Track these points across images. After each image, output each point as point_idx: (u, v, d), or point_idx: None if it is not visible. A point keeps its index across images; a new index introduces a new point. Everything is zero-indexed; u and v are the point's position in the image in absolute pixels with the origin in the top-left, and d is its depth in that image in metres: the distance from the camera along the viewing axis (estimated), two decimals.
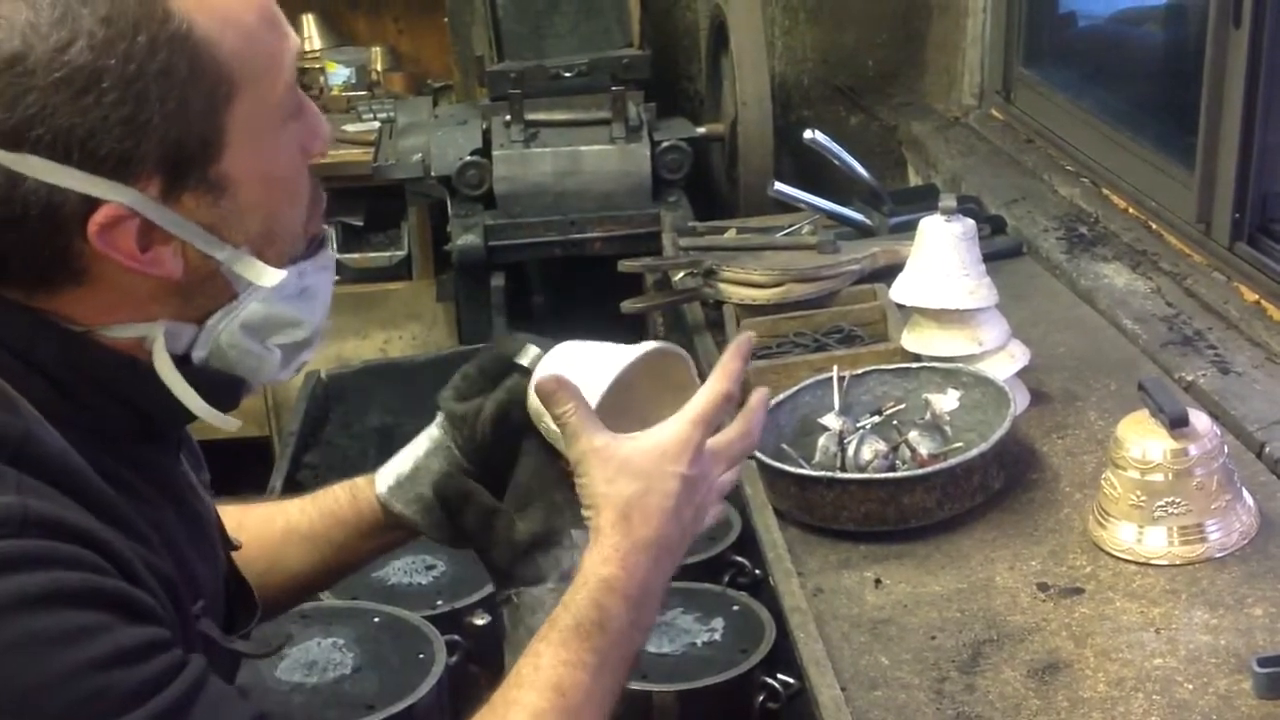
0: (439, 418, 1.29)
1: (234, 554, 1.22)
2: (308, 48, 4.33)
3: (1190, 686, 1.42)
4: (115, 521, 0.96)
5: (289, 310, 1.07)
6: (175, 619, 0.99)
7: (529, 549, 1.19)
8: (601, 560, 1.11)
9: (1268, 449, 1.81)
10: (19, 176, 0.91)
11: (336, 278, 1.16)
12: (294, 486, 2.25)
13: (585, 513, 1.14)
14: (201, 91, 0.94)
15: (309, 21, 4.33)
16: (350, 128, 3.95)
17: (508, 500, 1.22)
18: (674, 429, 1.15)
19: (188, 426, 1.14)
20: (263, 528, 1.32)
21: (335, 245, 3.92)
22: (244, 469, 2.47)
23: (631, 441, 1.14)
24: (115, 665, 0.89)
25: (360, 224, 4.01)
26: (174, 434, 1.12)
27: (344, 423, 2.66)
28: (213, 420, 1.06)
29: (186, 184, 0.96)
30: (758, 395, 1.23)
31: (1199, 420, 1.63)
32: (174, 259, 0.98)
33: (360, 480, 1.32)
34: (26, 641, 0.86)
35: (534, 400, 1.19)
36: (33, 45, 0.89)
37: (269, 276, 1.03)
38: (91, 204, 0.93)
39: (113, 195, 0.93)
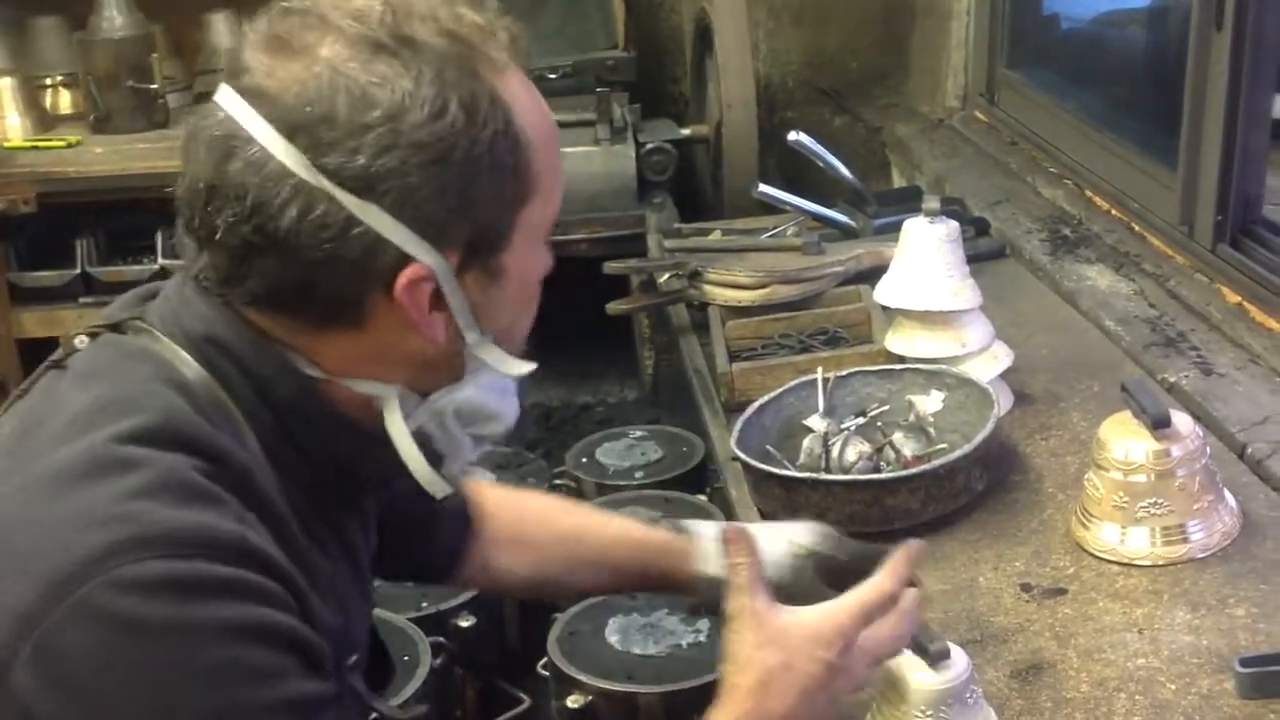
0: (818, 532, 1.47)
1: (487, 530, 1.41)
2: None
3: (1173, 687, 1.42)
4: (305, 568, 1.00)
5: (495, 404, 1.12)
6: (334, 672, 1.03)
7: None
8: (722, 712, 1.15)
9: (1249, 450, 1.82)
10: (356, 221, 0.98)
11: (524, 396, 1.22)
12: None
13: (725, 668, 1.17)
14: (513, 187, 1.04)
15: None
16: None
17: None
18: (832, 615, 1.19)
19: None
20: (545, 522, 1.48)
21: None
22: None
23: (790, 615, 1.18)
24: (293, 712, 0.94)
25: None
26: (368, 497, 1.18)
27: None
28: (429, 482, 1.09)
29: (475, 265, 1.04)
30: (911, 597, 1.25)
31: (1181, 421, 1.63)
32: (444, 328, 1.05)
33: (674, 538, 1.47)
34: (222, 668, 0.91)
35: None
36: (408, 109, 0.97)
37: (515, 366, 1.11)
38: (404, 260, 1.00)
39: (425, 257, 1.00)
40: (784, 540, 1.45)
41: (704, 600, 1.44)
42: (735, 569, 1.19)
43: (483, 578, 1.48)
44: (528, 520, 1.47)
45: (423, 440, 1.08)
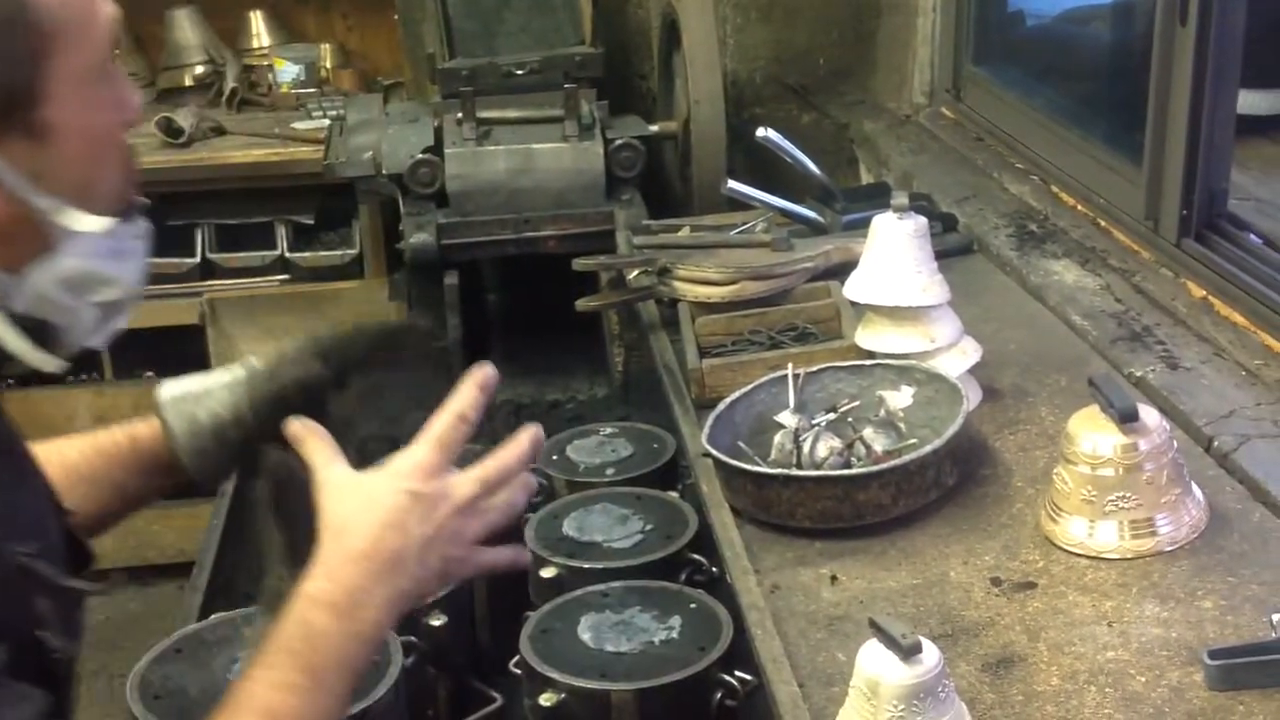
0: (251, 360, 1.35)
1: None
2: (256, 45, 4.30)
3: (1142, 679, 1.43)
4: None
5: (104, 268, 1.11)
6: None
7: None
8: (309, 577, 1.14)
9: (1216, 443, 1.83)
10: None
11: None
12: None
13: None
14: (25, 43, 1.01)
15: (257, 18, 4.30)
16: (300, 125, 3.92)
17: (263, 503, 1.24)
18: (404, 455, 1.20)
19: None
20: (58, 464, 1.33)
21: (287, 243, 3.90)
22: None
23: (368, 472, 1.19)
24: None
25: (311, 223, 3.98)
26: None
27: None
28: (34, 360, 1.10)
29: (9, 128, 1.02)
30: (527, 430, 1.26)
31: (1148, 415, 1.65)
32: None
33: (140, 423, 1.35)
34: None
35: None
36: None
37: (87, 223, 1.08)
38: None
39: None
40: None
41: (191, 472, 1.34)
42: (307, 455, 1.20)
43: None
44: (52, 464, 1.33)
45: (33, 319, 1.08)
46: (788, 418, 1.88)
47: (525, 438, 1.26)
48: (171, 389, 1.33)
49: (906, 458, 1.74)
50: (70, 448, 1.35)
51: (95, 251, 1.10)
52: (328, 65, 4.25)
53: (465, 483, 1.21)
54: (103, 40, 1.09)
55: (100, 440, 1.36)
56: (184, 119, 3.83)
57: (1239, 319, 2.12)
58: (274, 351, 1.34)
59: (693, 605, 1.89)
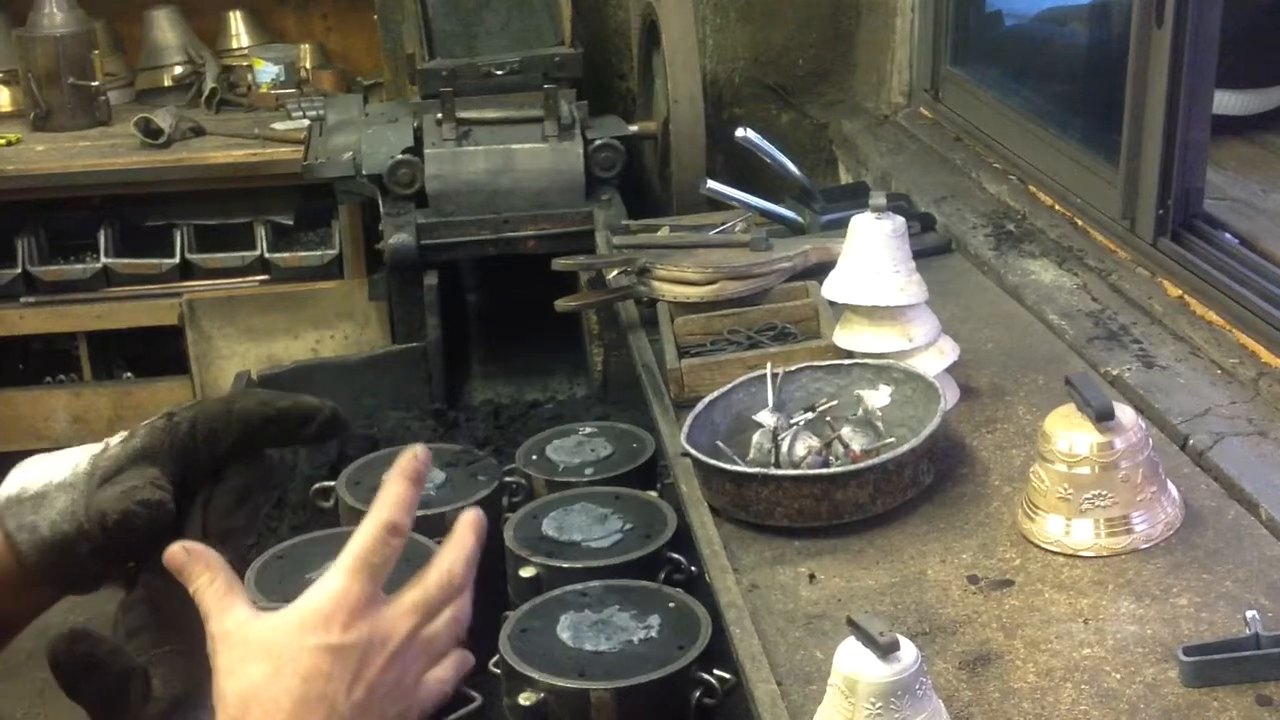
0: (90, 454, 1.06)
1: None
2: (235, 45, 4.29)
3: (1118, 676, 1.44)
4: None
5: None
6: None
7: (168, 715, 0.99)
8: None
9: (1191, 441, 1.85)
10: None
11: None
12: None
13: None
14: None
15: (236, 18, 4.29)
16: (279, 126, 3.91)
17: (140, 638, 1.01)
18: (318, 590, 0.94)
19: None
20: None
21: (266, 243, 3.89)
22: None
23: (275, 615, 0.94)
24: None
25: (290, 223, 3.98)
26: None
27: None
28: None
29: None
30: (467, 516, 1.02)
31: (1124, 414, 1.66)
32: None
33: None
34: None
35: None
36: None
37: None
38: None
39: None
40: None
41: (54, 588, 1.07)
42: (198, 593, 0.94)
43: None
44: None
45: None
46: (766, 417, 1.89)
47: (467, 530, 1.01)
48: (8, 487, 1.05)
49: (884, 457, 1.74)
50: None
51: None
52: (307, 66, 4.24)
53: (401, 617, 0.96)
54: None
55: None
56: (163, 119, 3.82)
57: (1215, 318, 2.13)
58: (118, 440, 1.07)
59: (671, 604, 1.89)
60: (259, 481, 1.07)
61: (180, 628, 1.00)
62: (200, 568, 0.95)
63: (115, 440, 1.07)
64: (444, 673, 1.01)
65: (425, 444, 1.03)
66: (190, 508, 1.05)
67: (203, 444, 1.04)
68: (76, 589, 1.06)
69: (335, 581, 0.94)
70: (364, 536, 0.96)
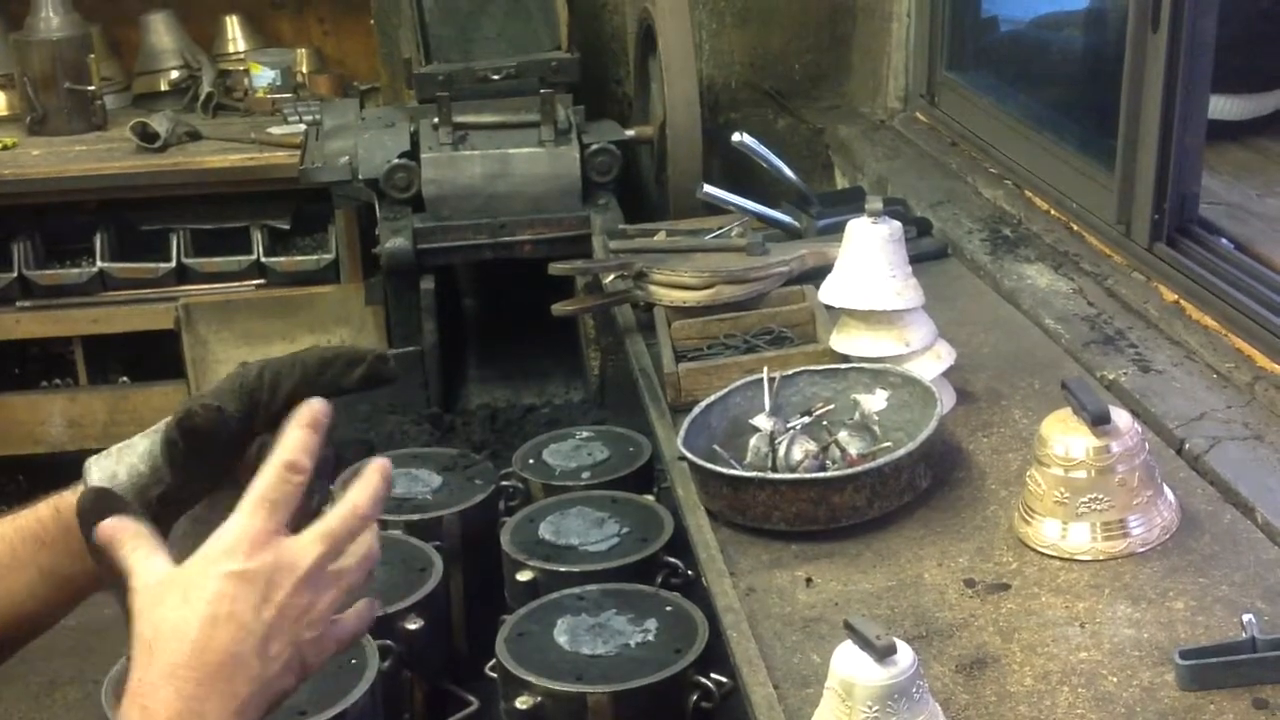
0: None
1: None
2: (231, 49, 4.29)
3: (1115, 679, 1.44)
4: None
5: None
6: None
7: None
8: (124, 709, 0.94)
9: (1187, 445, 1.85)
10: None
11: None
12: None
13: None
14: None
15: (233, 23, 4.29)
16: (276, 130, 3.91)
17: (178, 534, 1.10)
18: (223, 528, 0.99)
19: None
20: None
21: (263, 248, 3.89)
22: None
23: (187, 559, 0.99)
24: None
25: (287, 227, 3.98)
26: None
27: None
28: None
29: None
30: (376, 461, 1.06)
31: (1120, 418, 1.66)
32: None
33: (68, 493, 1.13)
34: None
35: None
36: None
37: None
38: None
39: None
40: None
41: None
42: (123, 562, 1.00)
43: None
44: None
45: None
46: (763, 421, 1.89)
47: (374, 471, 1.04)
48: (103, 453, 1.13)
49: (881, 461, 1.75)
50: None
51: None
52: (304, 70, 4.24)
53: (307, 546, 0.99)
54: None
55: (22, 520, 1.14)
56: (159, 124, 3.82)
57: (1210, 322, 2.14)
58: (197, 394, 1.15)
59: (668, 608, 1.90)
60: None
61: None
62: (128, 536, 1.01)
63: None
64: (357, 620, 1.06)
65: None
66: (251, 447, 1.11)
67: (267, 387, 1.10)
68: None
69: (238, 518, 0.99)
70: (265, 476, 1.00)
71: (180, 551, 1.04)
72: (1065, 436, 1.65)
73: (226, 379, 1.12)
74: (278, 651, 0.97)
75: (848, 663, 1.31)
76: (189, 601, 0.95)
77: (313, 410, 1.03)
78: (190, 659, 0.94)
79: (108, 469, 1.11)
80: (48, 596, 1.14)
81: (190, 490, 1.11)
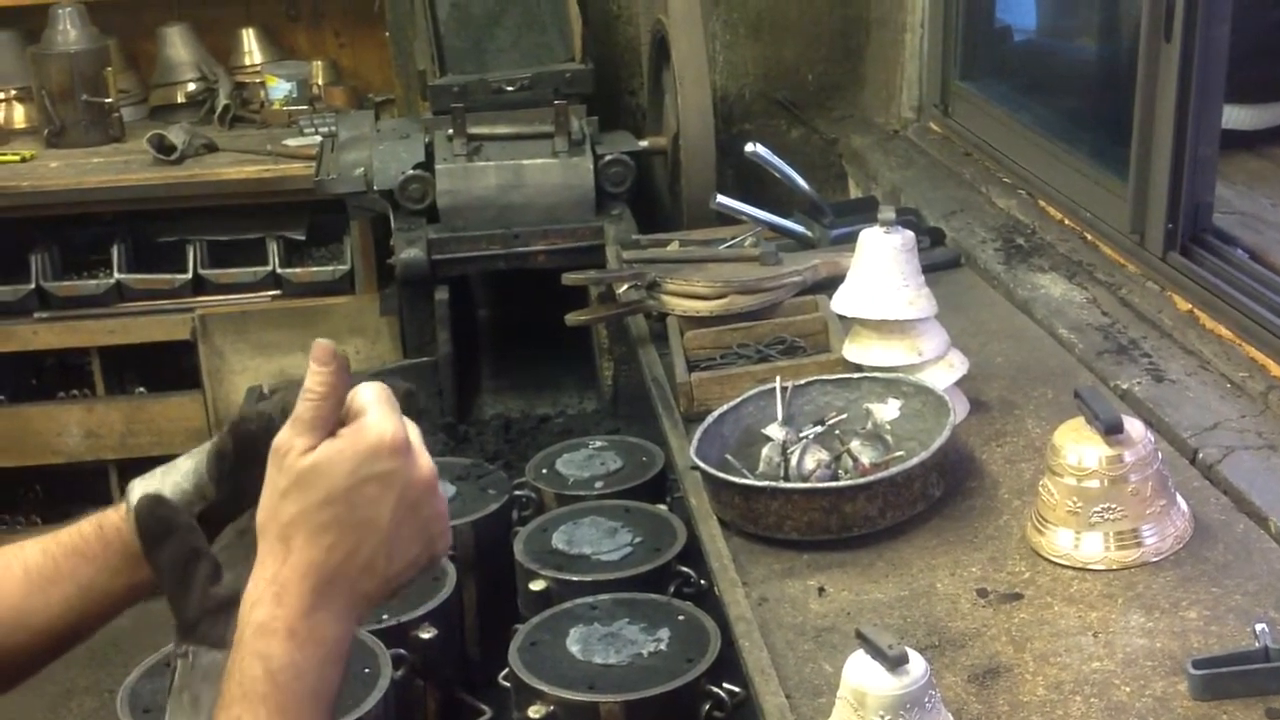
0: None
1: None
2: (248, 62, 4.31)
3: (1128, 689, 1.44)
4: None
5: None
6: None
7: (224, 606, 1.03)
8: (253, 602, 0.98)
9: (1201, 455, 1.84)
10: None
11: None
12: None
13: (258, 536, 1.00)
14: None
15: (249, 36, 4.32)
16: (291, 142, 3.93)
17: (221, 545, 1.08)
18: (371, 422, 1.00)
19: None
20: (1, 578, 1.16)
21: (278, 259, 3.91)
22: None
23: (325, 445, 0.99)
24: None
25: (302, 238, 3.99)
26: None
27: None
28: None
29: None
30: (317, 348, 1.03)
31: (1133, 427, 1.66)
32: None
33: (110, 511, 1.16)
34: None
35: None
36: None
37: None
38: None
39: None
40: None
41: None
42: (304, 398, 1.00)
43: None
44: (13, 570, 1.17)
45: None
46: (775, 430, 1.89)
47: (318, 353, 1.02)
48: (141, 483, 1.16)
49: (893, 470, 1.75)
50: (32, 548, 1.17)
51: None
52: (319, 82, 4.26)
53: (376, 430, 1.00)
54: None
55: (64, 535, 1.17)
56: (176, 136, 3.84)
57: (1224, 332, 2.13)
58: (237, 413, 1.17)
59: (681, 617, 1.90)
60: None
61: (238, 578, 1.04)
62: (337, 378, 1.01)
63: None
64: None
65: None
66: None
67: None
68: None
69: (376, 418, 1.00)
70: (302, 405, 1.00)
71: (225, 561, 1.05)
72: (1078, 446, 1.64)
73: (269, 401, 1.15)
74: (409, 545, 1.01)
75: (860, 672, 1.31)
76: (335, 502, 0.98)
77: (318, 348, 1.02)
78: (326, 561, 0.97)
79: (151, 488, 1.14)
80: (85, 610, 1.16)
81: (234, 505, 1.11)
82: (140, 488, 1.14)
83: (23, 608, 1.14)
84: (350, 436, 0.99)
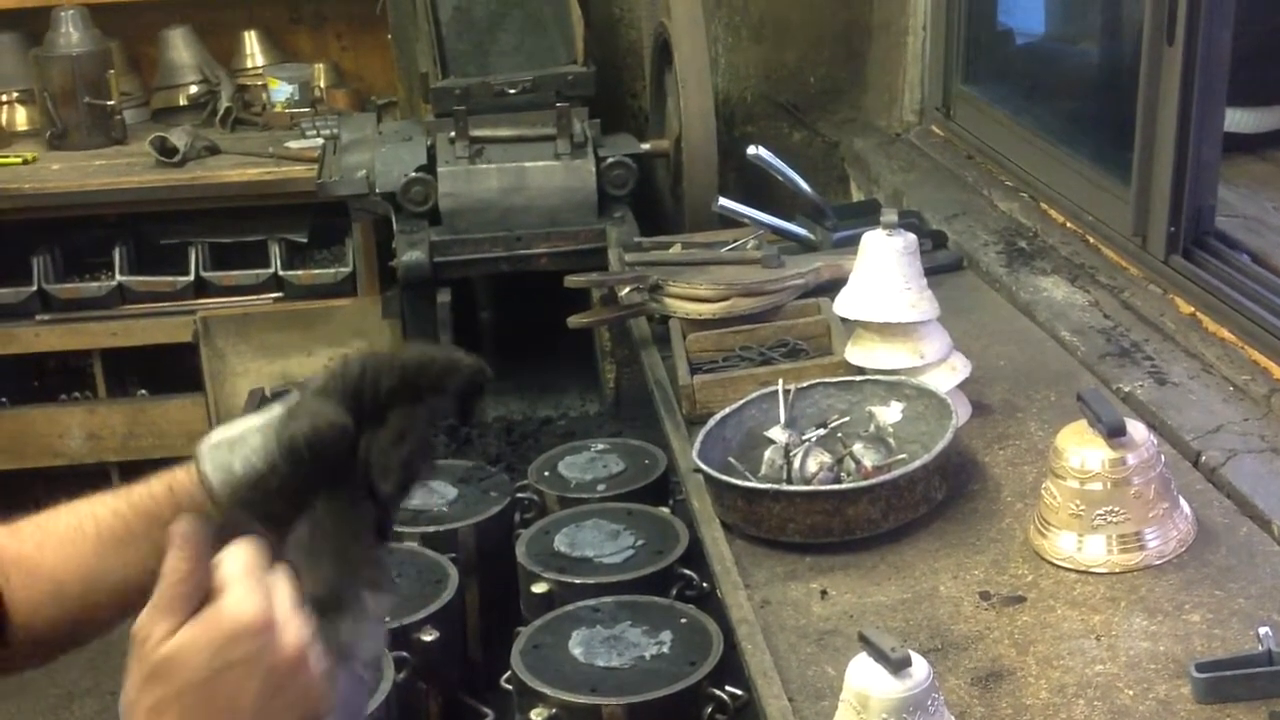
0: (291, 395, 1.15)
1: (37, 578, 1.13)
2: (250, 64, 4.32)
3: (1131, 693, 1.44)
4: None
5: None
6: None
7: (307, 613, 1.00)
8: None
9: (1203, 458, 1.84)
10: None
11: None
12: None
13: None
14: None
15: (251, 38, 4.32)
16: (294, 144, 3.93)
17: (295, 544, 1.05)
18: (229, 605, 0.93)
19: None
20: (71, 543, 1.16)
21: (280, 261, 3.91)
22: None
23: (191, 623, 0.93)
24: None
25: (304, 241, 3.99)
26: None
27: None
28: None
29: None
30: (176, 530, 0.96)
31: (1136, 430, 1.66)
32: None
33: (179, 470, 1.16)
34: None
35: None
36: None
37: None
38: None
39: None
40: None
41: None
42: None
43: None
44: (51, 545, 1.18)
45: None
46: (778, 433, 1.89)
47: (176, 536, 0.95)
48: (212, 437, 1.15)
49: (896, 473, 1.75)
50: (103, 507, 1.17)
51: None
52: (321, 85, 4.26)
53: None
54: None
55: (135, 495, 1.16)
56: (178, 138, 3.84)
57: (1227, 335, 2.13)
58: (304, 386, 1.15)
59: (683, 620, 1.90)
60: (416, 424, 1.13)
61: (326, 576, 1.03)
62: (184, 548, 0.94)
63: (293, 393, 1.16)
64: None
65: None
66: (360, 444, 1.11)
67: (369, 385, 1.12)
68: (262, 525, 1.08)
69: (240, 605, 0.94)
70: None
71: (297, 558, 1.03)
72: (1081, 449, 1.64)
73: (327, 376, 1.13)
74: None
75: (862, 675, 1.31)
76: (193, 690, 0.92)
77: (179, 532, 0.95)
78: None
79: (222, 462, 1.13)
80: (146, 572, 1.09)
81: (306, 486, 1.10)
82: (211, 460, 1.13)
83: (98, 567, 1.15)
84: (205, 622, 0.93)
